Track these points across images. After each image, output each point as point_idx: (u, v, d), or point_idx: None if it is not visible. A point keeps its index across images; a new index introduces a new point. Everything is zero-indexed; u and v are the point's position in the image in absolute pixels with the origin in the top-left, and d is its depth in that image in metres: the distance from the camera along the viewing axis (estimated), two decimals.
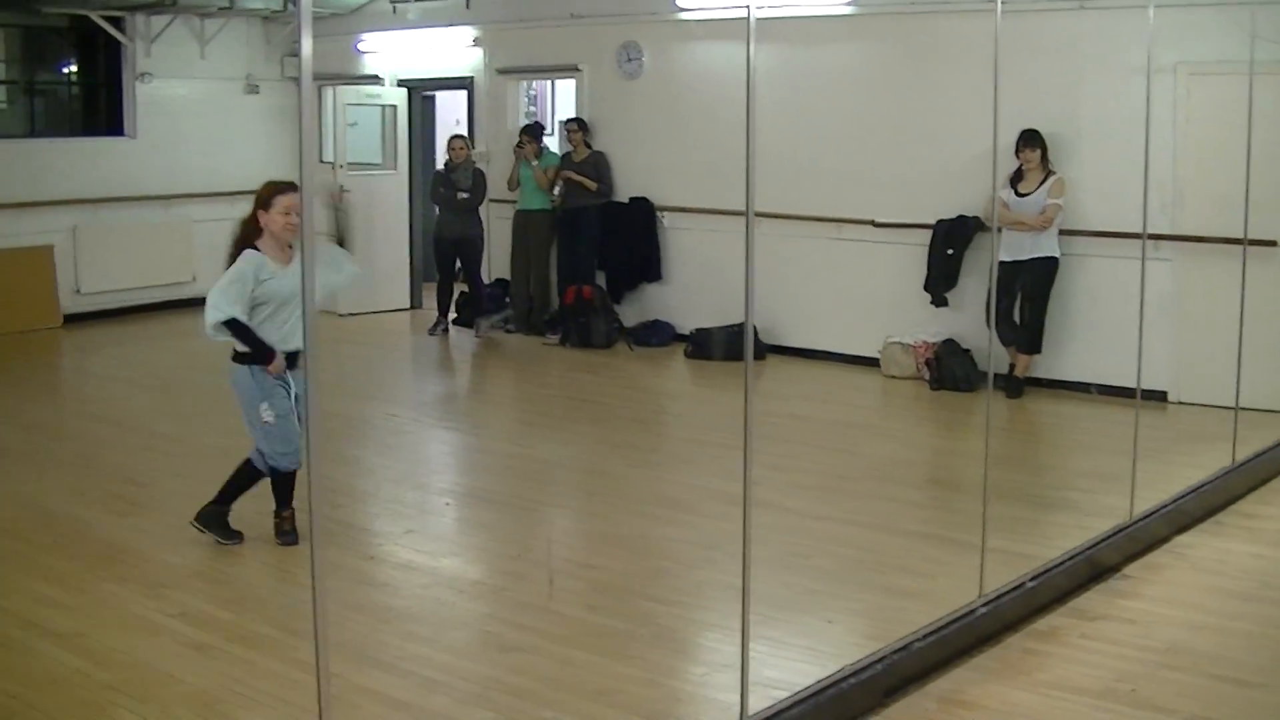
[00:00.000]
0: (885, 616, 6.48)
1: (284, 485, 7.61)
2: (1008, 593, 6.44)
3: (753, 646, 5.90)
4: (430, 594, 6.96)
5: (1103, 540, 7.26)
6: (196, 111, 16.47)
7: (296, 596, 6.59)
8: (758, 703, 5.26)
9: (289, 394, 7.40)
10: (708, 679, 5.88)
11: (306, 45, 3.52)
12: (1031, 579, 6.62)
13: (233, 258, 7.32)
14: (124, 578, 7.14)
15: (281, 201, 7.25)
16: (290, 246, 7.36)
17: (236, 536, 7.59)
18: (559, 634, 6.37)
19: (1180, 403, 10.99)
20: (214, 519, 7.60)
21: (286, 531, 7.61)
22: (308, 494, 3.99)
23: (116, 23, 15.80)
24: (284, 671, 5.86)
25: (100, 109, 16.54)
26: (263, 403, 7.34)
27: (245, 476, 7.61)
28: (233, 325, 7.20)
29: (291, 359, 7.36)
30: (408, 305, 16.66)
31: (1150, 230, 9.87)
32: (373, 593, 6.95)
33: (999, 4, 6.52)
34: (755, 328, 12.78)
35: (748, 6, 5.00)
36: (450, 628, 6.54)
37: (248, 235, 7.36)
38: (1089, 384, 11.39)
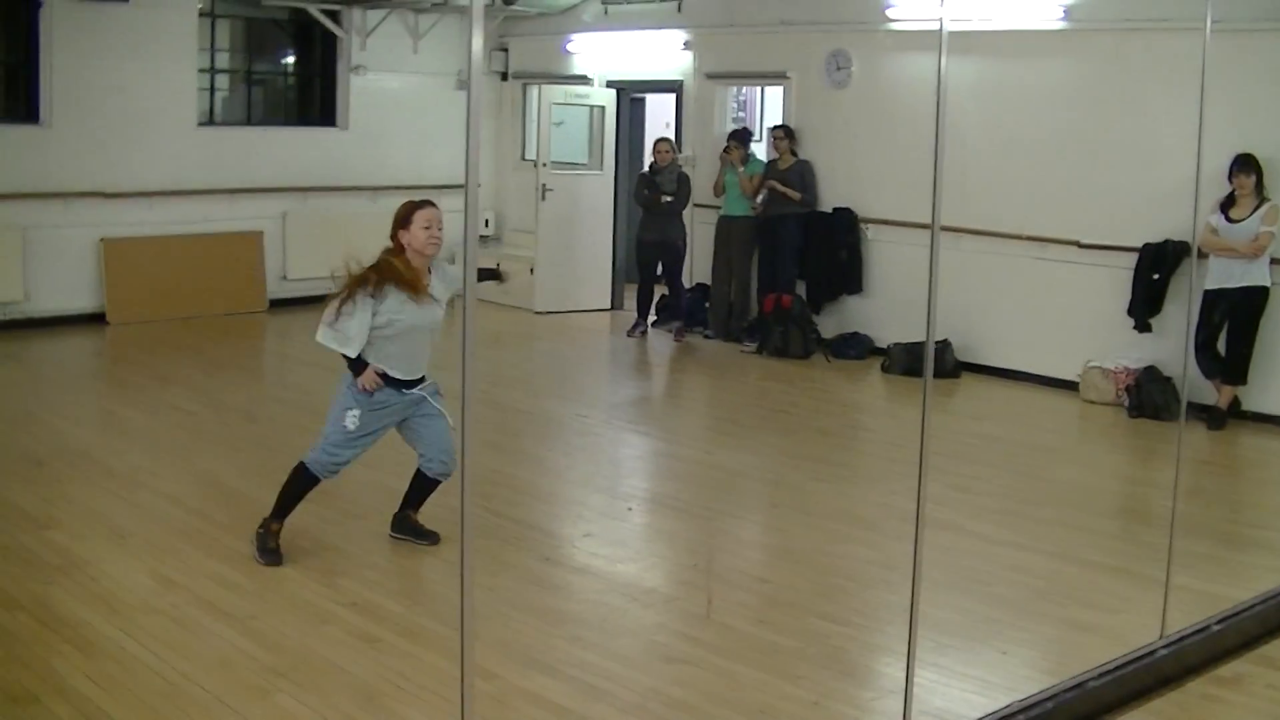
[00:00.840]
0: (1062, 651, 6.32)
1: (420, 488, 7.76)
2: (1191, 634, 6.22)
3: (923, 674, 5.80)
4: (603, 600, 6.92)
5: None
6: (407, 105, 16.76)
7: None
8: None
9: (385, 418, 7.39)
10: (873, 704, 5.76)
11: (477, 41, 3.50)
12: (1218, 622, 6.39)
13: (361, 281, 7.09)
14: (299, 563, 7.25)
15: (421, 216, 7.14)
16: (429, 272, 7.28)
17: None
18: (726, 648, 6.30)
19: None
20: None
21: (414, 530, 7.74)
22: (460, 494, 3.96)
23: (333, 16, 16.16)
24: (448, 669, 5.86)
25: (314, 100, 16.93)
26: (352, 410, 7.26)
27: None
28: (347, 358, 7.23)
29: (409, 385, 7.37)
30: (608, 306, 16.68)
31: None
32: (545, 595, 6.95)
33: (1209, 22, 6.29)
34: (951, 345, 12.66)
35: (940, 19, 4.91)
36: (619, 635, 6.49)
37: (384, 263, 7.17)
38: None
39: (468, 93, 3.59)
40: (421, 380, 7.43)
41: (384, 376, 7.23)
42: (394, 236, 7.20)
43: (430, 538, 7.61)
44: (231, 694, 5.61)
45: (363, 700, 5.61)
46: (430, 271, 7.28)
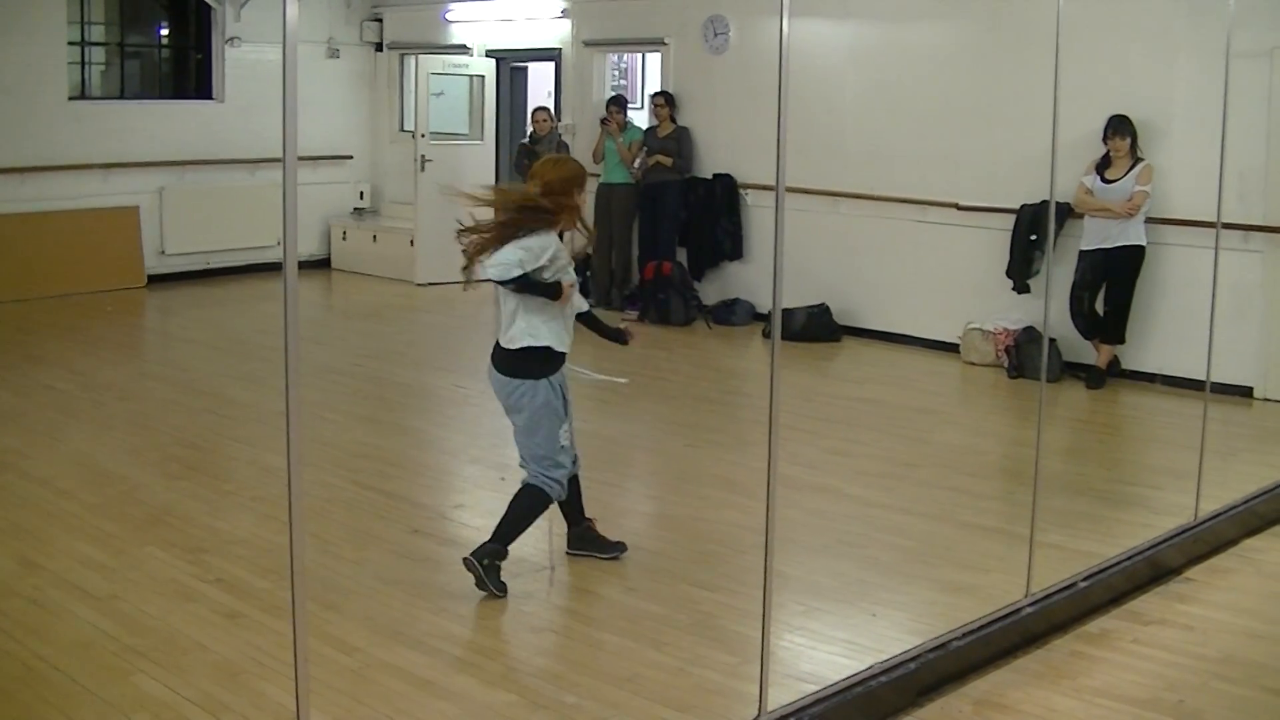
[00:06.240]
0: (933, 612, 6.30)
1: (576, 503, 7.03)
2: (1057, 592, 6.24)
3: (790, 638, 5.79)
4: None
5: (1165, 540, 7.03)
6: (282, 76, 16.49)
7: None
8: (782, 697, 5.10)
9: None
10: (738, 669, 5.68)
11: (292, 10, 3.41)
12: (1084, 578, 6.42)
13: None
14: (167, 541, 7.13)
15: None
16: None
17: (503, 588, 6.52)
18: (594, 616, 6.29)
19: (1267, 399, 10.66)
20: (493, 569, 6.52)
21: (604, 543, 7.02)
22: (287, 466, 3.87)
23: None
24: (314, 645, 5.73)
25: (190, 72, 16.68)
26: (564, 423, 6.69)
27: (532, 506, 6.71)
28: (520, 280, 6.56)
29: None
30: None
31: (1240, 221, 9.64)
32: (413, 568, 6.85)
33: None
34: (829, 309, 12.69)
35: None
36: (486, 606, 6.39)
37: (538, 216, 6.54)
38: (1165, 375, 11.08)
39: (283, 62, 3.51)
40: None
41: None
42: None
43: (616, 549, 7.01)
44: (89, 676, 5.50)
45: (223, 678, 5.51)
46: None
